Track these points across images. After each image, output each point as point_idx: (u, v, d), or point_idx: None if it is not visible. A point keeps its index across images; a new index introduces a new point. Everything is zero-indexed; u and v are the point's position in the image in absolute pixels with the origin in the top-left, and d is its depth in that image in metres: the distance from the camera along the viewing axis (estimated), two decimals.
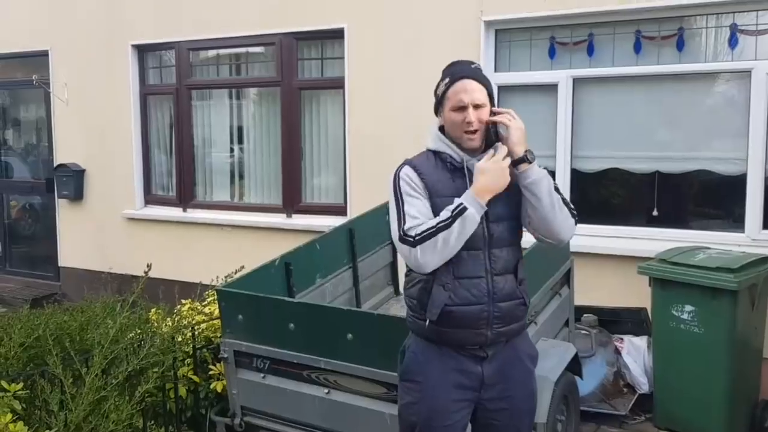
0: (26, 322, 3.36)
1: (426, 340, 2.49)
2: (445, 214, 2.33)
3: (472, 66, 2.51)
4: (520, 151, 2.39)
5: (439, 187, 2.43)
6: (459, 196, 2.38)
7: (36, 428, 3.01)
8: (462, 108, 2.40)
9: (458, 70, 2.48)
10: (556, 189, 2.45)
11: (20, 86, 8.43)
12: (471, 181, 2.41)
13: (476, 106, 2.40)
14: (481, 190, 2.35)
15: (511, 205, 2.46)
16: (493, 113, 2.45)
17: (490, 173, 2.36)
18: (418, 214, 2.38)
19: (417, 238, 2.32)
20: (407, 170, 2.46)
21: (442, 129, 2.54)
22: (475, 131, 2.42)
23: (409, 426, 2.53)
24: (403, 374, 2.55)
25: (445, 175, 2.45)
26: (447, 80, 2.46)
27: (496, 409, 2.49)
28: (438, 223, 2.32)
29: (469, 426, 2.56)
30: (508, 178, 2.38)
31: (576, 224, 2.51)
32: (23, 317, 3.47)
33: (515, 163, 2.41)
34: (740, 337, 3.99)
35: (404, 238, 2.35)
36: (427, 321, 2.42)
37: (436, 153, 2.50)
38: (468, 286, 2.39)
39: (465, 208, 2.31)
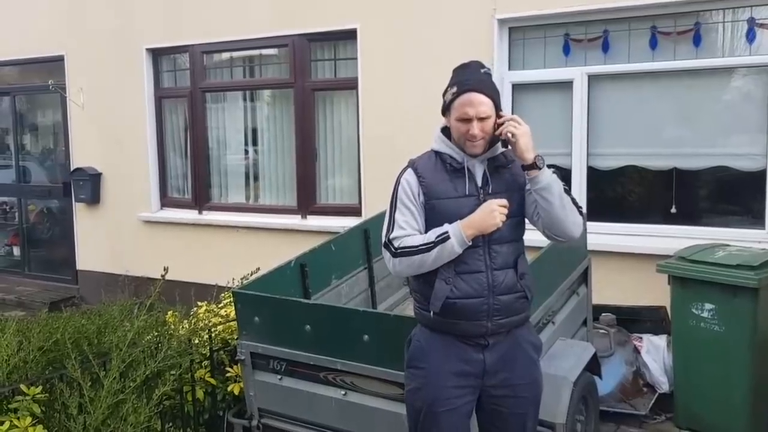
0: (45, 325, 3.38)
1: (430, 329, 2.58)
2: (431, 236, 2.44)
3: (482, 71, 2.52)
4: (529, 158, 2.45)
5: (439, 189, 2.52)
6: (458, 197, 2.48)
7: None
8: (467, 120, 2.45)
9: (465, 80, 2.49)
10: (566, 190, 2.50)
11: (37, 91, 8.53)
12: (471, 182, 2.50)
13: (481, 119, 2.45)
14: (469, 226, 2.41)
15: (513, 204, 2.50)
16: (497, 125, 2.48)
17: (489, 215, 2.39)
18: (406, 225, 2.50)
19: (397, 251, 2.47)
20: (408, 176, 2.56)
21: (446, 129, 2.59)
22: (479, 140, 2.47)
23: (415, 411, 2.61)
24: (409, 361, 2.65)
25: (444, 177, 2.53)
26: (454, 89, 2.49)
27: (500, 396, 2.57)
28: (420, 245, 2.44)
29: (475, 416, 2.62)
30: (495, 226, 2.41)
31: (584, 221, 2.56)
32: (42, 321, 3.49)
33: (526, 169, 2.46)
34: (762, 335, 3.94)
35: (387, 245, 2.51)
36: (432, 312, 2.50)
37: (438, 153, 2.58)
38: (468, 280, 2.48)
39: (448, 238, 2.40)
